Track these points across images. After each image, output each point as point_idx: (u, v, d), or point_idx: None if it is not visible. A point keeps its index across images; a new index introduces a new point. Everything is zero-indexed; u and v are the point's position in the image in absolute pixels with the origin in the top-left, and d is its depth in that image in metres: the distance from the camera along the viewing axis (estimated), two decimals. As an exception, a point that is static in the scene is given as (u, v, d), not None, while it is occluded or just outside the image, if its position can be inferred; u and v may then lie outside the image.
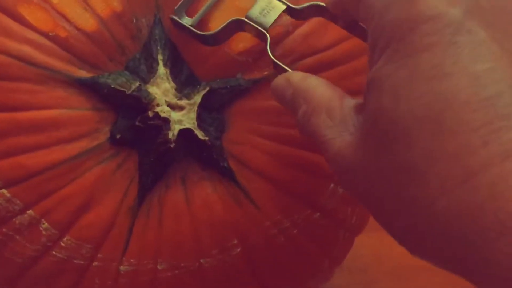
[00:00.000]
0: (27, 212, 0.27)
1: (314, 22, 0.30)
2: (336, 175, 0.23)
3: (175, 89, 0.28)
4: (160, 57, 0.28)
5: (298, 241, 0.30)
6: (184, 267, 0.28)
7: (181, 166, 0.29)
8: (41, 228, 0.27)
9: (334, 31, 0.30)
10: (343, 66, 0.31)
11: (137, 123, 0.28)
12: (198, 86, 0.29)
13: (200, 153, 0.29)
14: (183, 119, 0.28)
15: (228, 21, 0.28)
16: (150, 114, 0.27)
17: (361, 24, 0.26)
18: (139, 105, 0.28)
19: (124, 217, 0.28)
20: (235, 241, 0.29)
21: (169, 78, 0.28)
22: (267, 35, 0.27)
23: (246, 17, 0.28)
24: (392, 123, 0.18)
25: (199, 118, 0.28)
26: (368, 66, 0.21)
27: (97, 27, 0.28)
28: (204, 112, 0.29)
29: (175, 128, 0.27)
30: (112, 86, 0.28)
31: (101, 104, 0.28)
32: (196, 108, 0.28)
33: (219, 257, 0.29)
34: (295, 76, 0.25)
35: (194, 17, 0.29)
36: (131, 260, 0.28)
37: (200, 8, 0.29)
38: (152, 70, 0.28)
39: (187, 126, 0.28)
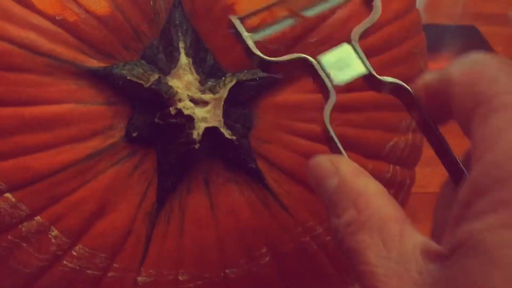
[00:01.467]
0: (35, 218, 0.24)
1: (353, 4, 0.26)
2: None
3: (199, 82, 0.25)
4: (181, 44, 0.25)
5: (331, 249, 0.27)
6: (208, 278, 0.26)
7: (204, 167, 0.26)
8: (50, 236, 0.25)
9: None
10: (383, 55, 0.28)
11: (156, 120, 0.25)
12: (223, 78, 0.26)
13: (225, 153, 0.26)
14: (208, 116, 0.25)
15: (296, 55, 0.22)
16: (172, 111, 0.24)
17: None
18: (159, 99, 0.25)
19: (142, 224, 0.25)
20: (264, 250, 0.26)
21: (192, 69, 0.25)
22: (333, 94, 0.21)
23: (317, 60, 0.22)
24: None
25: (224, 114, 0.25)
26: (455, 214, 0.16)
27: (110, 10, 0.25)
28: (230, 106, 0.26)
29: (200, 127, 0.25)
30: (128, 77, 0.25)
31: (115, 97, 0.25)
32: (222, 103, 0.25)
33: (246, 266, 0.26)
34: (346, 166, 0.20)
35: (253, 33, 0.23)
36: (150, 271, 0.26)
37: (266, 27, 0.24)
38: (172, 60, 0.25)
39: (213, 124, 0.25)
